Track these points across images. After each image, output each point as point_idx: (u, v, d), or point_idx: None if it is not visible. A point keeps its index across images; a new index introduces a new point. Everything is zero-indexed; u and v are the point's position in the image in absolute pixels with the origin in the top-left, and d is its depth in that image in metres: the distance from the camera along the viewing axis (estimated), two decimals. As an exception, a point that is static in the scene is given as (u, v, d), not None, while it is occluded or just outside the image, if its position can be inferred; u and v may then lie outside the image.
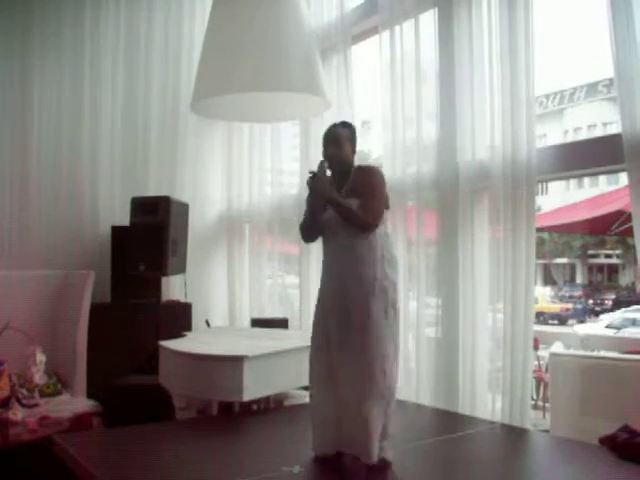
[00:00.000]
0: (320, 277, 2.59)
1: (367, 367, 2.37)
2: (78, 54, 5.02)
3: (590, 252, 24.54)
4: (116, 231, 4.77)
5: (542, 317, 16.84)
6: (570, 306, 20.23)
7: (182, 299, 4.93)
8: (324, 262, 2.60)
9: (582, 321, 17.81)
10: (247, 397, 3.03)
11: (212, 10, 4.13)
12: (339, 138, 2.58)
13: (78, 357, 4.03)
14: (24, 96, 4.84)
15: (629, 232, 3.64)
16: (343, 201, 2.47)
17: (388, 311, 2.45)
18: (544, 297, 18.84)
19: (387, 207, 2.55)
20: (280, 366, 3.24)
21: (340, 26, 4.31)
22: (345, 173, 2.57)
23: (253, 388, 3.04)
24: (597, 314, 17.48)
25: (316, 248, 4.54)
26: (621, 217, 6.67)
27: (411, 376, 3.67)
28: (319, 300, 2.58)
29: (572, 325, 16.24)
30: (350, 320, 2.42)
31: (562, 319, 18.54)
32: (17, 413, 3.36)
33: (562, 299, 21.64)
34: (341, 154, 2.57)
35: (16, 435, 3.23)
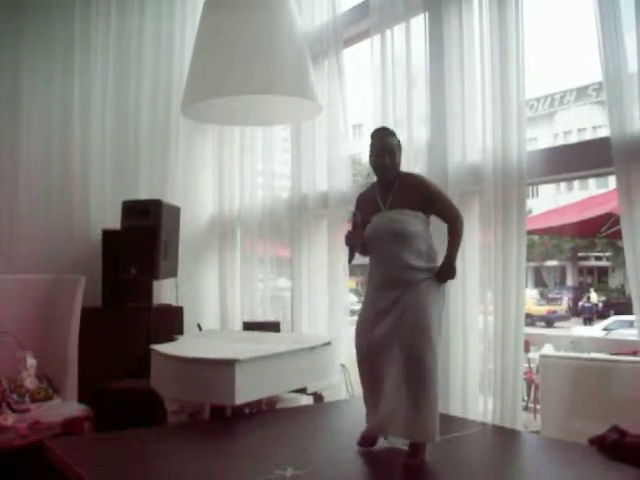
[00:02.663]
0: (367, 281, 2.63)
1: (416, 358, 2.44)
2: (68, 55, 4.99)
3: (580, 254, 24.64)
4: (107, 235, 4.75)
5: (530, 319, 16.89)
6: (556, 308, 20.30)
7: (174, 303, 4.92)
8: (372, 263, 2.63)
9: (590, 319, 17.89)
10: (239, 400, 3.03)
11: (203, 13, 4.13)
12: (392, 148, 2.59)
13: (69, 361, 4.01)
14: (14, 98, 4.82)
15: (618, 235, 3.67)
16: (452, 251, 2.53)
17: (440, 300, 2.53)
18: (531, 300, 18.91)
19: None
20: (272, 369, 3.24)
21: (331, 30, 4.33)
22: (391, 180, 2.60)
23: (245, 391, 3.04)
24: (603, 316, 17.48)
25: (307, 251, 4.56)
26: (610, 220, 6.72)
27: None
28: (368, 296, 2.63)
29: (559, 327, 16.31)
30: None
31: (549, 321, 18.60)
32: (8, 418, 3.34)
33: (550, 301, 21.74)
34: (394, 164, 2.60)
35: (7, 440, 3.21)
